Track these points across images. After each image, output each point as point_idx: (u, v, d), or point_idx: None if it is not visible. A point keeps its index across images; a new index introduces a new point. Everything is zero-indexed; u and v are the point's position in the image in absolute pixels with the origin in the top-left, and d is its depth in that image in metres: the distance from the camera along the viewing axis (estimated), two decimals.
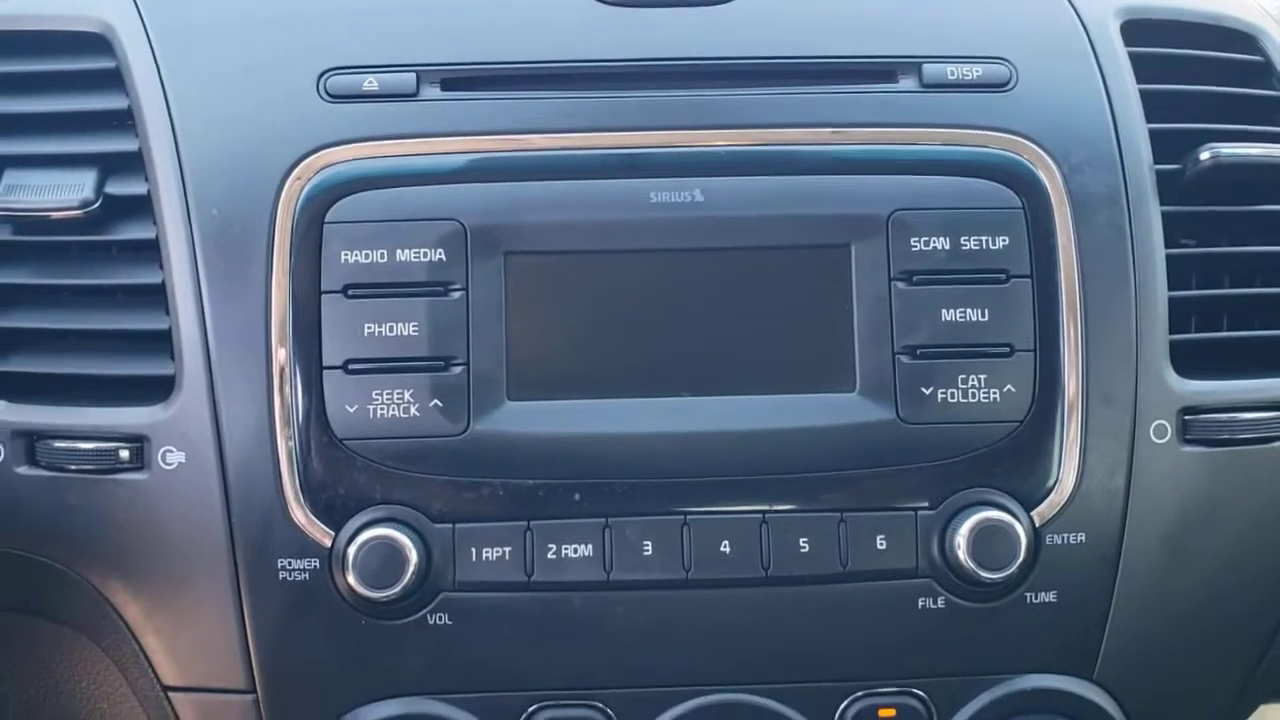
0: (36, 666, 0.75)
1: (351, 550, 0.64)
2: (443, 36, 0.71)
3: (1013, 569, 0.65)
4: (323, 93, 0.69)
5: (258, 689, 0.66)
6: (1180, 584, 0.68)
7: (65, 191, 0.68)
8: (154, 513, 0.66)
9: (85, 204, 0.68)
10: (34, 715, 0.77)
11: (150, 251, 0.68)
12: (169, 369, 0.67)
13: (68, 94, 0.71)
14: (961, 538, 0.65)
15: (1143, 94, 0.71)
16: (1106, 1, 0.74)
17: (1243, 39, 0.77)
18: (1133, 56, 0.72)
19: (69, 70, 0.71)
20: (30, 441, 0.67)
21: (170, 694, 0.68)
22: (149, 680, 0.68)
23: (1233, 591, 0.69)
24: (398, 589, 0.64)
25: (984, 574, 0.64)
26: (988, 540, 0.65)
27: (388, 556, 0.64)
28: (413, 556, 0.64)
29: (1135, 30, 0.74)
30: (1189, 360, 0.69)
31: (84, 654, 0.73)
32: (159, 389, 0.67)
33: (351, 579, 0.64)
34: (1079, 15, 0.73)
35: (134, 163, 0.69)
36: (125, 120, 0.70)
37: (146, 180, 0.68)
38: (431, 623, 0.65)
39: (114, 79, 0.70)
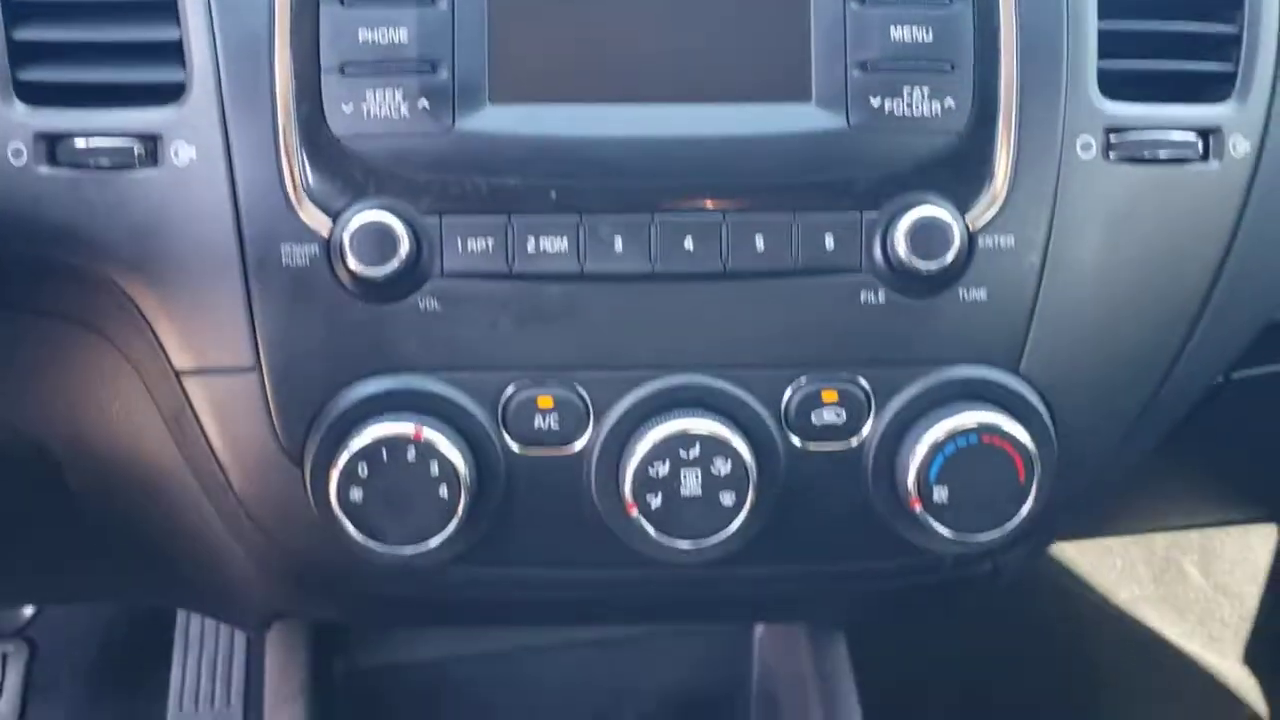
0: (53, 371, 0.81)
1: (347, 235, 0.70)
2: None
3: (947, 261, 0.72)
4: None
5: (262, 367, 0.73)
6: (1099, 290, 0.75)
7: None
8: (167, 206, 0.72)
9: None
10: (47, 416, 0.83)
11: None
12: (180, 75, 0.72)
13: None
14: (901, 234, 0.71)
15: None
16: None
17: None
18: None
19: None
20: (51, 143, 0.73)
21: (182, 378, 0.74)
22: (161, 368, 0.75)
23: (1146, 302, 0.76)
24: (390, 269, 0.70)
25: (920, 265, 0.71)
26: (925, 235, 0.71)
27: (381, 237, 0.70)
28: (404, 240, 0.70)
29: None
30: (1117, 90, 0.75)
31: (99, 356, 0.79)
32: (171, 95, 0.73)
33: (349, 259, 0.70)
34: None
35: None
36: None
37: None
38: (421, 307, 0.72)
39: None
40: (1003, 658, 1.86)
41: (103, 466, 0.84)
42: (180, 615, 1.75)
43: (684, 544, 0.73)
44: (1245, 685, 1.94)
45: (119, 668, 1.79)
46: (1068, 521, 0.82)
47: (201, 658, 1.73)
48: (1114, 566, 2.00)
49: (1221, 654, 1.96)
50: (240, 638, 1.75)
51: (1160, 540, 2.04)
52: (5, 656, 1.72)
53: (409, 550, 0.73)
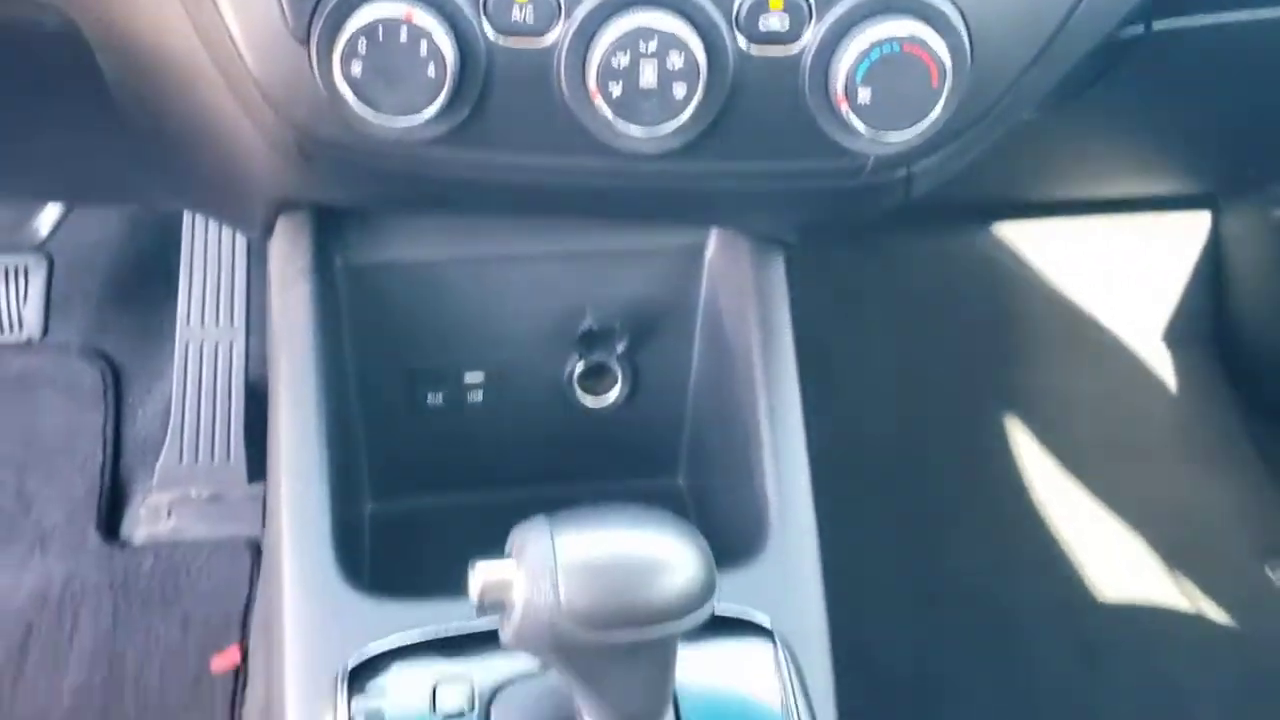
0: None
1: None
2: None
3: None
4: None
5: None
6: None
7: None
8: None
9: None
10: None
11: None
12: None
13: None
14: None
15: None
16: None
17: None
18: None
19: None
20: None
21: None
22: None
23: None
24: None
25: None
26: None
27: None
28: None
29: None
30: None
31: None
32: None
33: None
34: None
35: None
36: None
37: None
38: None
39: None
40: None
41: (129, 50, 0.94)
42: (185, 239, 1.89)
43: (640, 130, 0.85)
44: (1159, 357, 2.13)
45: (129, 287, 1.94)
46: (979, 137, 0.94)
47: (206, 280, 1.88)
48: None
49: (1140, 334, 2.14)
50: (241, 264, 1.90)
51: None
52: (26, 269, 1.87)
53: (400, 121, 0.84)
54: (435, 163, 0.91)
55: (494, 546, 0.73)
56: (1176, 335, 2.15)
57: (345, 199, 1.07)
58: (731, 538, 1.09)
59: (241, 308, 1.87)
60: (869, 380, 1.96)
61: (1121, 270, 2.16)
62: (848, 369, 1.92)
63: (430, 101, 0.83)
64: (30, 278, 1.87)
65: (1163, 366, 2.12)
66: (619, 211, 1.08)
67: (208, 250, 1.89)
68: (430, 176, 0.92)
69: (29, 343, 1.86)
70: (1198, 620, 1.77)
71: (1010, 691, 1.65)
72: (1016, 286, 2.13)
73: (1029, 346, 2.11)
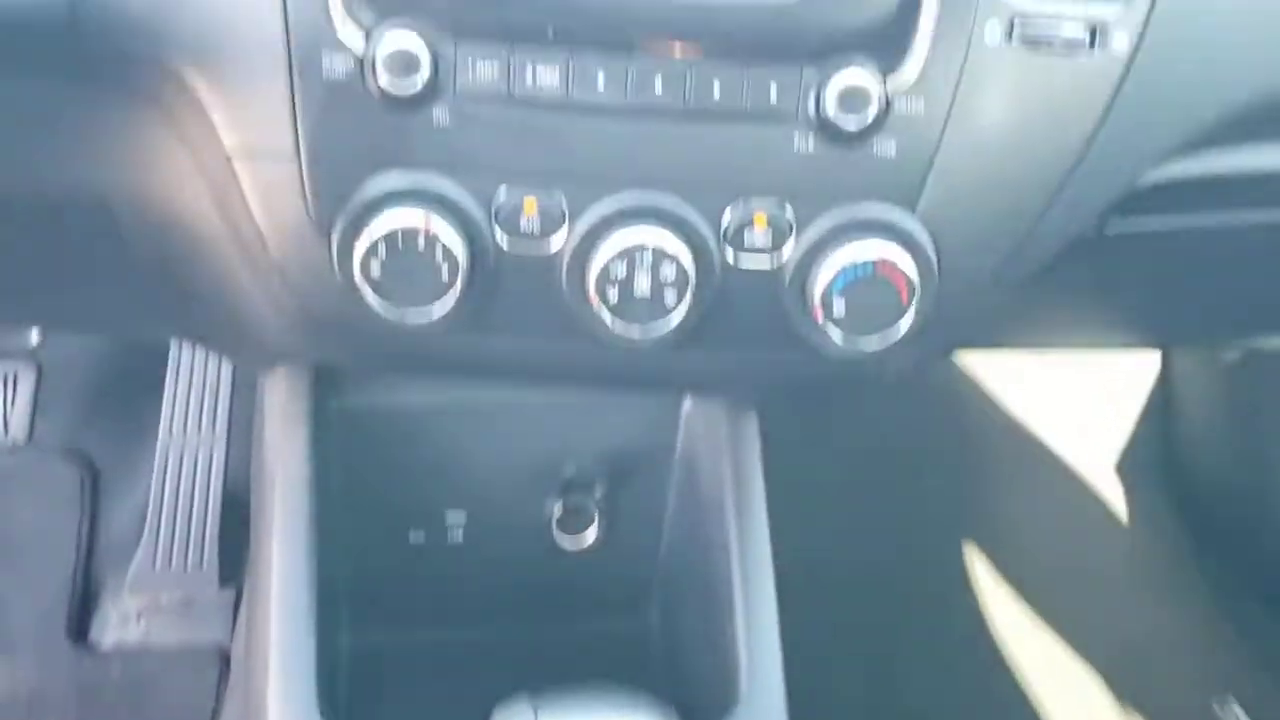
0: (126, 144, 0.95)
1: (380, 56, 0.84)
2: None
3: (867, 121, 0.87)
4: None
5: (301, 156, 0.88)
6: (987, 150, 0.91)
7: None
8: (229, 10, 0.86)
9: None
10: (115, 180, 0.98)
11: None
12: None
13: None
14: (832, 94, 0.87)
15: None
16: None
17: None
18: None
19: None
20: None
21: (231, 159, 0.89)
22: (215, 149, 0.90)
23: (1026, 162, 0.92)
24: (413, 89, 0.85)
25: (844, 120, 0.87)
26: (851, 97, 0.87)
27: (407, 60, 0.84)
28: (425, 63, 0.85)
29: None
30: None
31: (164, 136, 0.93)
32: None
33: (380, 76, 0.85)
34: None
35: None
36: None
37: None
38: (435, 120, 0.87)
39: None
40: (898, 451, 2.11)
41: (156, 224, 1.00)
42: (172, 350, 1.94)
43: (634, 330, 0.92)
44: (1112, 487, 2.21)
45: (115, 393, 1.98)
46: (947, 336, 1.01)
47: (190, 390, 1.92)
48: None
49: (1094, 464, 2.22)
50: (226, 375, 1.94)
51: None
52: (16, 375, 1.90)
53: (412, 315, 0.90)
54: (440, 346, 0.97)
55: (467, 688, 0.77)
56: (1128, 466, 2.23)
57: (348, 364, 1.13)
58: (702, 692, 1.14)
59: (224, 415, 1.91)
60: (834, 509, 2.02)
61: (1077, 402, 2.25)
62: (814, 497, 1.98)
63: (442, 297, 0.89)
64: (19, 384, 1.91)
65: (1115, 496, 2.20)
66: (607, 384, 1.15)
67: (194, 362, 1.93)
68: (434, 356, 0.98)
69: (13, 447, 1.89)
70: None
71: None
72: (977, 416, 2.21)
73: (988, 474, 2.18)
